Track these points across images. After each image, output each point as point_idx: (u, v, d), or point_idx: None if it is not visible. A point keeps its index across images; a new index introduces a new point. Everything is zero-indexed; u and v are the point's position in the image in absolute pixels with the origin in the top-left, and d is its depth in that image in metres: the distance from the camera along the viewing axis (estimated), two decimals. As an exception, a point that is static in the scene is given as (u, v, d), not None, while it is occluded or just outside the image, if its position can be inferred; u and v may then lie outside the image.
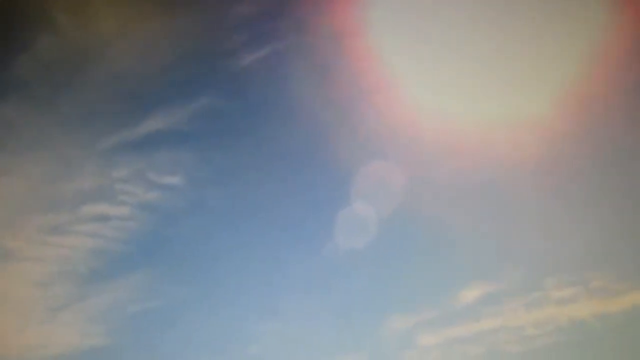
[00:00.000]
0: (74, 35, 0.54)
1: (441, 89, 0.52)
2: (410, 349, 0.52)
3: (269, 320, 0.50)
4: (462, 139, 0.52)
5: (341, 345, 0.53)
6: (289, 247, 0.53)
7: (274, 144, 0.52)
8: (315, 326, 0.54)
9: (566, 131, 0.51)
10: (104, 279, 0.55)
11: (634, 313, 0.52)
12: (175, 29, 0.55)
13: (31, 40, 0.54)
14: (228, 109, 0.54)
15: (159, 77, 0.55)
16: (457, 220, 0.51)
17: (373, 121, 0.52)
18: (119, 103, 0.54)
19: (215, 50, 0.55)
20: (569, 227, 0.49)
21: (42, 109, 0.54)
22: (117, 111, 0.54)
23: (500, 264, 0.51)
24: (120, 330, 0.53)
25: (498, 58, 0.52)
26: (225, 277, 0.54)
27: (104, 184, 0.54)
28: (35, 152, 0.55)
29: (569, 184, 0.51)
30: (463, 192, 0.51)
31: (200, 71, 0.56)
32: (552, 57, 0.53)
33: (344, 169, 0.52)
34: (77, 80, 0.54)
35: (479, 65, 0.52)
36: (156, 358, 0.53)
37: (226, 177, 0.56)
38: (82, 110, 0.54)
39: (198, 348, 0.55)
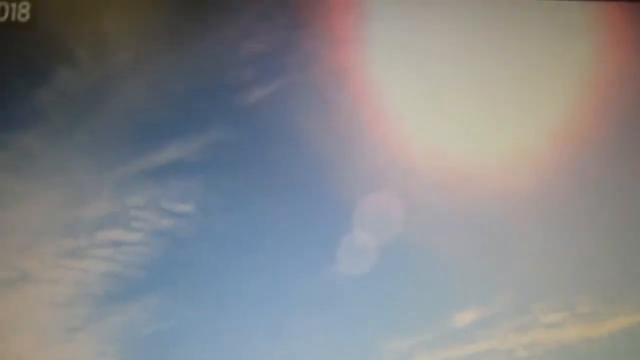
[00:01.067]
0: (92, 69, 0.57)
1: (439, 123, 0.55)
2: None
3: (273, 340, 0.52)
4: (457, 172, 0.54)
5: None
6: (293, 271, 0.55)
7: (280, 174, 0.54)
8: (317, 346, 0.56)
9: (556, 165, 0.54)
10: (118, 301, 0.56)
11: (619, 337, 0.55)
12: (188, 65, 0.57)
13: (51, 73, 0.56)
14: (237, 140, 0.56)
15: (172, 110, 0.57)
16: (453, 248, 0.53)
17: (373, 153, 0.55)
18: (134, 134, 0.57)
19: (225, 85, 0.57)
20: (557, 255, 0.51)
21: (60, 139, 0.57)
22: (132, 142, 0.56)
23: (493, 290, 0.53)
24: (135, 350, 0.55)
25: (493, 96, 0.55)
26: (232, 299, 0.56)
27: (119, 211, 0.56)
28: (54, 179, 0.57)
29: (556, 216, 0.54)
30: (458, 221, 0.53)
31: (211, 105, 0.58)
32: (545, 95, 0.56)
33: (345, 198, 0.54)
34: (94, 111, 0.57)
35: (475, 103, 0.55)
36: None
37: (235, 205, 0.57)
38: (98, 140, 0.57)
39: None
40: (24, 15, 0.59)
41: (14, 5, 0.59)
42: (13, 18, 0.59)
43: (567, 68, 0.54)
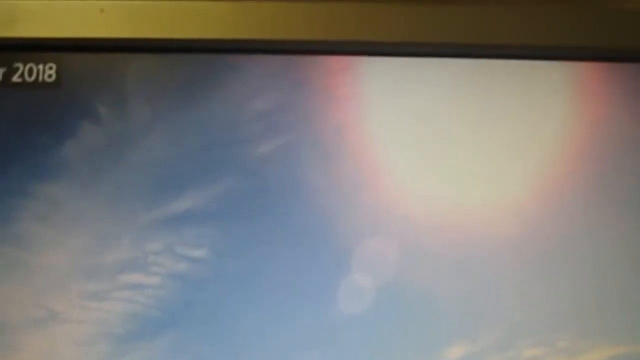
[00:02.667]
0: (113, 125, 0.60)
1: (431, 174, 0.59)
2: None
3: None
4: (448, 218, 0.58)
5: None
6: (297, 311, 0.59)
7: (285, 220, 0.58)
8: None
9: (536, 212, 0.58)
10: (138, 339, 0.59)
11: None
12: (201, 120, 0.61)
13: (75, 129, 0.60)
14: (246, 190, 0.60)
15: (187, 163, 0.61)
16: (443, 288, 0.56)
17: (371, 201, 0.59)
18: (152, 185, 0.60)
19: (235, 139, 0.61)
20: (537, 295, 0.55)
21: (84, 189, 0.60)
22: (150, 192, 0.60)
23: (479, 326, 0.56)
24: None
25: (482, 149, 0.59)
26: (241, 336, 0.59)
27: (139, 256, 0.59)
28: (78, 226, 0.60)
29: (537, 259, 0.57)
30: (449, 264, 0.57)
31: (222, 158, 0.62)
32: (527, 149, 0.60)
33: (345, 243, 0.58)
34: (115, 164, 0.60)
35: (465, 155, 0.60)
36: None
37: (244, 249, 0.61)
38: (120, 191, 0.60)
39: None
40: (50, 76, 0.64)
41: (41, 67, 0.64)
42: (40, 78, 0.64)
43: (548, 123, 0.59)
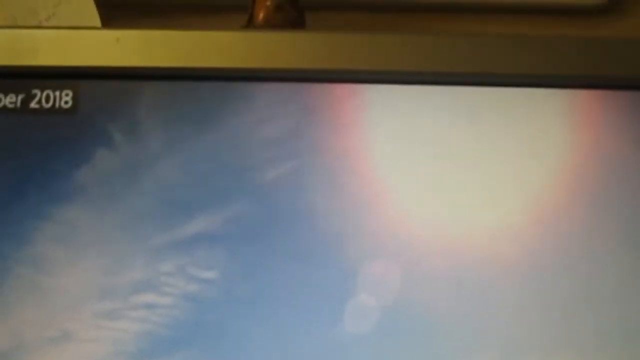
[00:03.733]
0: (127, 150, 0.62)
1: (434, 199, 0.61)
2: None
3: None
4: (450, 242, 0.60)
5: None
6: (303, 330, 0.60)
7: (293, 243, 0.60)
8: None
9: (535, 235, 0.60)
10: (150, 358, 0.61)
11: None
12: (212, 146, 0.63)
13: (90, 154, 0.62)
14: (255, 214, 0.61)
15: (198, 187, 0.63)
16: (445, 308, 0.58)
17: (375, 225, 0.60)
18: (164, 208, 0.62)
19: (244, 166, 0.63)
20: (537, 316, 0.56)
21: (99, 212, 0.62)
22: (162, 215, 0.61)
23: (480, 346, 0.57)
24: None
25: (483, 175, 0.61)
26: (250, 354, 0.61)
27: (151, 277, 0.61)
28: (93, 248, 0.62)
29: (535, 282, 0.59)
30: (450, 285, 0.58)
31: (232, 182, 0.64)
32: (527, 174, 0.62)
33: (350, 265, 0.59)
34: (129, 188, 0.62)
35: (466, 181, 0.61)
36: None
37: (253, 271, 0.62)
38: (133, 214, 0.62)
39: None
40: (66, 102, 0.67)
41: (57, 93, 0.67)
42: (57, 105, 0.67)
43: (547, 150, 0.62)
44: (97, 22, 0.81)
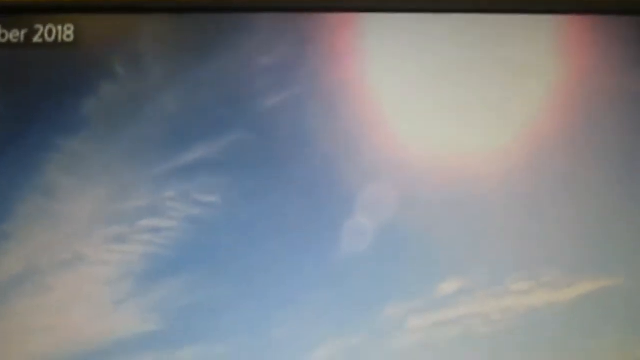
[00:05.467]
0: (129, 81, 0.64)
1: (429, 124, 0.62)
2: (400, 331, 0.61)
3: (287, 308, 0.59)
4: (443, 164, 0.62)
5: (345, 328, 0.61)
6: (302, 251, 0.62)
7: (291, 168, 0.62)
8: (323, 312, 0.63)
9: (524, 157, 0.62)
10: (157, 278, 0.64)
11: (578, 302, 0.62)
12: (212, 76, 0.64)
13: (94, 86, 0.64)
14: (255, 141, 0.63)
15: (199, 116, 0.64)
16: (438, 228, 0.60)
17: (373, 150, 0.62)
18: (167, 137, 0.64)
19: (243, 94, 0.64)
20: (524, 233, 0.59)
21: (104, 142, 0.64)
22: (165, 143, 0.63)
23: (471, 263, 0.60)
24: (171, 318, 0.63)
25: (476, 100, 0.63)
26: (251, 275, 0.63)
27: (156, 202, 0.63)
28: (100, 176, 0.64)
29: (524, 200, 0.61)
30: (443, 206, 0.61)
31: (232, 110, 0.65)
32: (517, 98, 0.63)
33: (347, 188, 0.61)
34: (132, 118, 0.64)
35: (459, 106, 0.63)
36: (201, 340, 0.62)
37: (253, 195, 0.65)
38: (137, 143, 0.63)
39: (231, 327, 0.63)
40: (68, 36, 0.69)
41: (59, 27, 0.69)
42: (59, 39, 0.69)
43: (537, 74, 0.65)
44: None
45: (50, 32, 0.66)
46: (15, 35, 0.65)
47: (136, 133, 0.62)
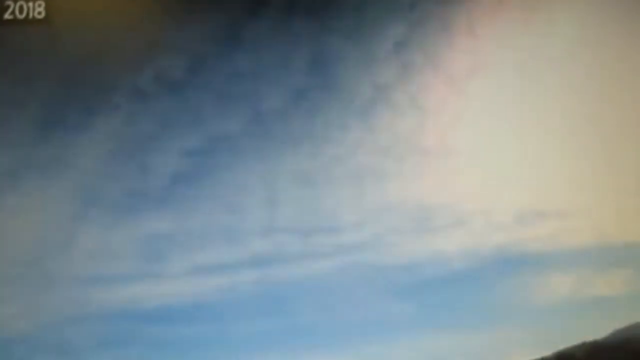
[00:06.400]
0: (100, 57, 0.65)
1: None
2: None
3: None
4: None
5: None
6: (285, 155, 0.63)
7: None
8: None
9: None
10: None
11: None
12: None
13: (65, 62, 0.64)
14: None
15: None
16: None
17: None
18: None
19: None
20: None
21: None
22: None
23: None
24: None
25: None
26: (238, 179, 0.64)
27: None
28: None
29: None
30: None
31: None
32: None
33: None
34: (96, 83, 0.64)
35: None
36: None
37: None
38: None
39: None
40: (39, 13, 0.71)
41: (30, 4, 0.71)
42: (30, 15, 0.71)
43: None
44: None
45: (21, 9, 0.69)
46: (-15, 12, 0.69)
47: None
